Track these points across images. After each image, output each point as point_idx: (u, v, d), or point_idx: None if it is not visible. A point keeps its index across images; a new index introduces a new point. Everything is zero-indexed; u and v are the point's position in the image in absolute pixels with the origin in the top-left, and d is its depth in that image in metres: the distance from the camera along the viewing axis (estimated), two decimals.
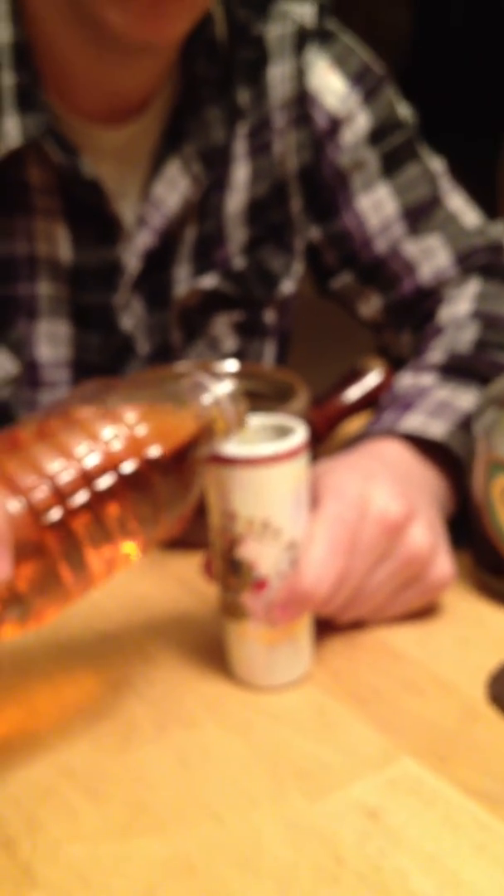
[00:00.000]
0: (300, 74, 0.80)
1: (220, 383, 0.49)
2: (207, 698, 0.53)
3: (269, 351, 0.86)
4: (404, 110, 0.84)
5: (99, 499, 0.44)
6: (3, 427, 0.74)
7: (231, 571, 0.52)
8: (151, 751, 0.49)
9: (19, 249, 0.72)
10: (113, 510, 0.44)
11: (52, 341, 0.75)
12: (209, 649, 0.56)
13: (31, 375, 0.75)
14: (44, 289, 0.74)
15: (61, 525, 0.43)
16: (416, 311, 0.82)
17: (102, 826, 0.45)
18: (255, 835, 0.44)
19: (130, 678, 0.55)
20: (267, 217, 0.82)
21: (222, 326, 0.82)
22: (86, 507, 0.43)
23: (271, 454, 0.50)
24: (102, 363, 0.77)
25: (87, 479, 0.43)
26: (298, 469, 0.51)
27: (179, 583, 0.64)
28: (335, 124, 0.81)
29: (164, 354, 0.79)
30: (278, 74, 0.79)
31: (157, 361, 0.79)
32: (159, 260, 0.77)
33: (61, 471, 0.43)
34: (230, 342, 0.83)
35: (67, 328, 0.75)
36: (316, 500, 0.53)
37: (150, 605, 0.62)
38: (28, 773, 0.48)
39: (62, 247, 0.73)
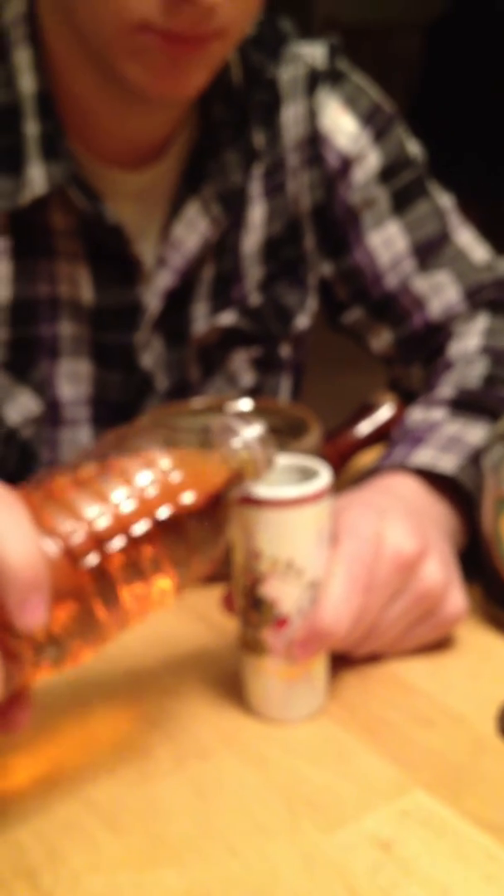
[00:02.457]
0: (312, 115, 0.82)
1: (250, 427, 0.51)
2: (224, 731, 0.54)
3: (285, 384, 0.88)
4: (414, 148, 0.86)
5: (134, 543, 0.45)
6: (28, 467, 0.76)
7: (253, 608, 0.53)
8: (169, 783, 0.51)
9: (42, 291, 0.74)
10: (147, 554, 0.46)
11: (73, 380, 0.77)
12: (226, 682, 0.58)
13: (52, 414, 0.77)
14: (65, 329, 0.76)
15: (98, 569, 0.44)
16: (425, 346, 0.84)
17: (122, 857, 0.46)
18: (270, 866, 0.45)
19: (149, 711, 0.56)
20: (282, 254, 0.84)
21: (240, 362, 0.84)
22: (122, 551, 0.45)
23: (298, 496, 0.51)
24: (122, 400, 0.79)
25: (123, 524, 0.45)
26: (322, 510, 0.53)
27: (198, 616, 0.65)
28: (346, 164, 0.83)
29: (182, 390, 0.81)
30: (291, 116, 0.82)
31: (175, 397, 0.81)
32: (178, 299, 0.79)
33: (98, 516, 0.44)
34: (247, 377, 0.84)
35: (88, 367, 0.77)
36: (333, 539, 0.55)
37: (169, 638, 0.63)
38: (50, 805, 0.49)
39: (84, 288, 0.75)
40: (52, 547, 0.43)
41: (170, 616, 0.65)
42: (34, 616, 0.41)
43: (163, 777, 0.51)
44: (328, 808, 0.49)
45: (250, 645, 0.54)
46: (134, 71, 0.65)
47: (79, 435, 0.78)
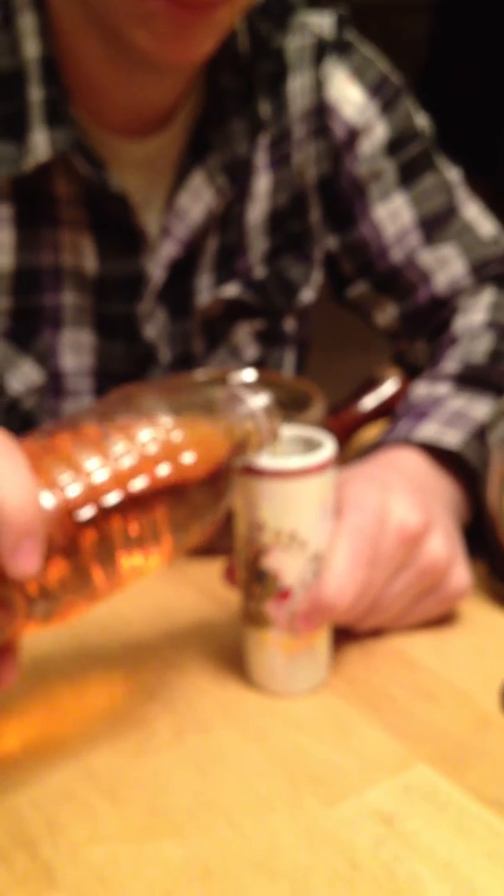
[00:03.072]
0: (319, 86, 0.81)
1: (256, 396, 0.50)
2: (224, 704, 0.54)
3: (289, 359, 0.87)
4: (421, 121, 0.84)
5: (132, 500, 0.44)
6: None
7: (256, 580, 0.53)
8: (169, 755, 0.50)
9: (45, 260, 0.73)
10: (145, 513, 0.45)
11: (76, 350, 0.76)
12: (227, 655, 0.57)
13: (54, 384, 0.76)
14: (69, 299, 0.75)
15: (94, 524, 0.43)
16: (430, 321, 0.83)
17: (121, 828, 0.46)
18: (271, 839, 0.45)
19: (149, 683, 0.56)
20: (287, 227, 0.83)
21: (243, 335, 0.83)
22: (119, 508, 0.44)
23: (301, 467, 0.51)
24: (125, 372, 0.78)
25: (121, 479, 0.44)
26: (326, 482, 0.52)
27: (198, 589, 0.65)
28: (353, 135, 0.82)
29: (185, 362, 0.80)
30: (298, 86, 0.80)
31: (178, 369, 0.80)
32: (183, 270, 0.78)
33: (96, 469, 0.44)
34: (251, 350, 0.84)
35: (91, 337, 0.76)
36: (337, 512, 0.54)
37: (170, 611, 0.63)
38: (49, 776, 0.49)
39: (87, 258, 0.74)
40: (49, 499, 0.42)
41: (171, 588, 0.65)
42: (27, 563, 0.40)
43: (162, 749, 0.51)
44: (330, 781, 0.48)
45: (253, 618, 0.54)
46: (140, 37, 0.64)
47: (81, 406, 0.77)
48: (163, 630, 0.61)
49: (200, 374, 0.74)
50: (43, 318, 0.75)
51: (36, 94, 0.69)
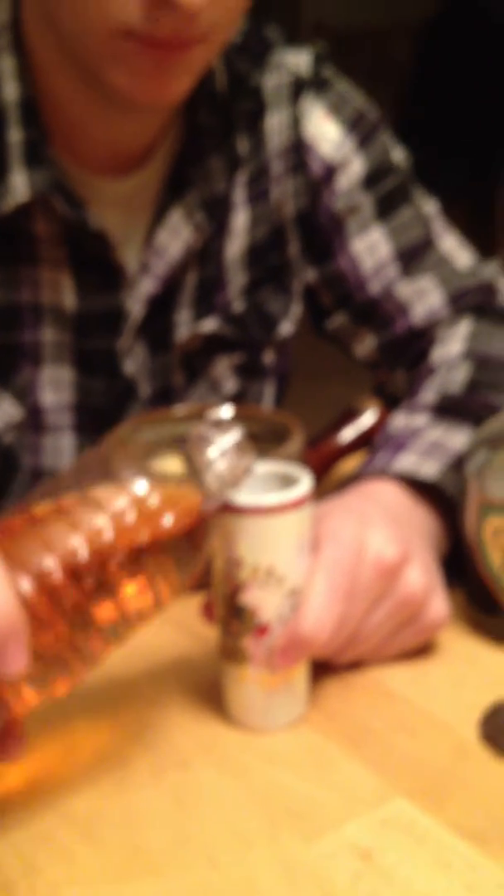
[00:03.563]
0: (296, 123, 0.82)
1: (225, 435, 0.50)
2: (203, 740, 0.54)
3: (269, 391, 0.87)
4: (398, 154, 0.86)
5: (114, 573, 0.45)
6: (10, 472, 0.76)
7: (233, 616, 0.53)
8: (148, 793, 0.50)
9: (24, 298, 0.74)
10: (128, 583, 0.45)
11: (55, 386, 0.77)
12: (205, 691, 0.57)
13: (34, 420, 0.77)
14: (48, 335, 0.75)
15: (77, 603, 0.44)
16: (409, 351, 0.84)
17: (99, 869, 0.46)
18: (250, 877, 0.45)
19: (127, 721, 0.56)
20: (266, 261, 0.83)
21: (223, 368, 0.83)
22: (101, 583, 0.45)
23: (278, 503, 0.51)
24: (105, 407, 0.78)
25: (101, 554, 0.45)
26: (303, 518, 0.52)
27: (176, 625, 0.65)
28: (330, 171, 0.83)
29: (165, 397, 0.81)
30: (275, 123, 0.81)
31: (158, 404, 0.80)
32: (162, 305, 0.79)
33: (77, 548, 0.44)
34: (231, 384, 0.84)
35: (71, 373, 0.77)
36: (314, 545, 0.54)
37: (148, 647, 0.62)
38: (26, 817, 0.49)
39: (66, 295, 0.75)
40: (27, 586, 0.43)
41: (149, 624, 0.65)
42: (14, 664, 0.42)
43: (141, 787, 0.51)
44: (308, 816, 0.48)
45: (231, 653, 0.54)
46: (118, 76, 0.65)
47: (61, 441, 0.78)
48: (141, 666, 0.61)
49: (179, 410, 0.75)
50: (22, 355, 0.75)
51: (15, 135, 0.70)
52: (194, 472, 0.49)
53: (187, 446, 0.50)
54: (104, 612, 0.45)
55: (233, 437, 0.50)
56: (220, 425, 0.51)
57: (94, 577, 0.44)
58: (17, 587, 0.42)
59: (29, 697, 0.44)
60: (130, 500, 0.46)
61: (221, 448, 0.50)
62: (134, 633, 0.48)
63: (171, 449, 0.50)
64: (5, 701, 0.44)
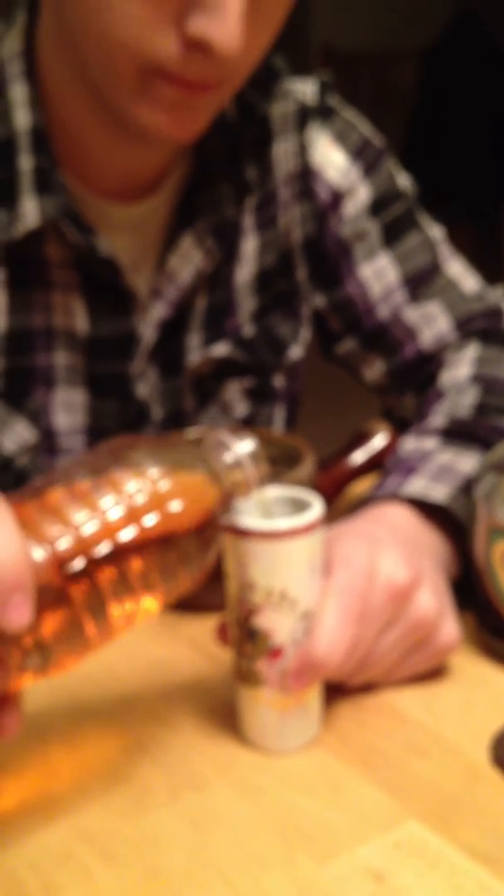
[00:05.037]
0: (303, 151, 0.83)
1: (242, 442, 0.51)
2: (218, 762, 0.55)
3: (279, 414, 0.88)
4: (404, 181, 0.87)
5: (122, 550, 0.45)
6: None
7: (247, 639, 0.54)
8: (164, 814, 0.51)
9: (37, 322, 0.75)
10: (135, 562, 0.46)
11: (68, 409, 0.78)
12: (221, 713, 0.58)
13: (48, 443, 0.78)
14: (61, 359, 0.76)
15: (84, 575, 0.44)
16: (417, 375, 0.85)
17: (117, 890, 0.46)
18: None
19: (144, 742, 0.56)
20: (274, 286, 0.85)
21: (233, 392, 0.85)
22: (109, 558, 0.45)
23: (291, 528, 0.52)
24: (118, 430, 0.79)
25: (110, 530, 0.45)
26: (315, 542, 0.53)
27: (192, 646, 0.65)
28: (337, 197, 0.84)
29: (177, 420, 0.82)
30: (282, 151, 0.83)
31: (170, 427, 0.81)
32: (173, 329, 0.80)
33: (86, 522, 0.45)
34: (241, 407, 0.85)
35: (83, 396, 0.78)
36: (326, 569, 0.55)
37: (163, 668, 0.63)
38: (46, 837, 0.50)
39: (79, 319, 0.76)
40: (39, 553, 0.44)
41: (164, 645, 0.66)
42: (18, 616, 0.42)
43: (158, 808, 0.51)
44: (322, 838, 0.49)
45: (245, 675, 0.55)
46: (141, 111, 0.66)
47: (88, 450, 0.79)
48: (157, 687, 0.61)
49: (191, 433, 0.76)
50: (35, 378, 0.76)
51: (26, 162, 0.71)
52: (210, 472, 0.50)
53: (204, 450, 0.50)
54: (111, 593, 0.45)
55: (249, 444, 0.51)
56: (238, 432, 0.51)
57: (102, 556, 0.45)
58: (28, 548, 0.43)
59: (27, 669, 0.44)
60: (142, 481, 0.47)
61: (237, 454, 0.51)
62: (140, 619, 0.48)
63: (187, 453, 0.51)
64: (5, 665, 0.43)
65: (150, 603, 0.48)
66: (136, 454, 0.48)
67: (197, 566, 0.49)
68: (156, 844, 0.49)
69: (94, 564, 0.45)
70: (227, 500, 0.51)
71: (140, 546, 0.46)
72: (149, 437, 0.79)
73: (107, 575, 0.45)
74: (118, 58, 0.64)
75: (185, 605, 0.68)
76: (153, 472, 0.47)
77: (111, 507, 0.46)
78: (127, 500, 0.46)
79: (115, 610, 0.46)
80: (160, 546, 0.47)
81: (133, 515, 0.46)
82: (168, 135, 0.67)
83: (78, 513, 0.45)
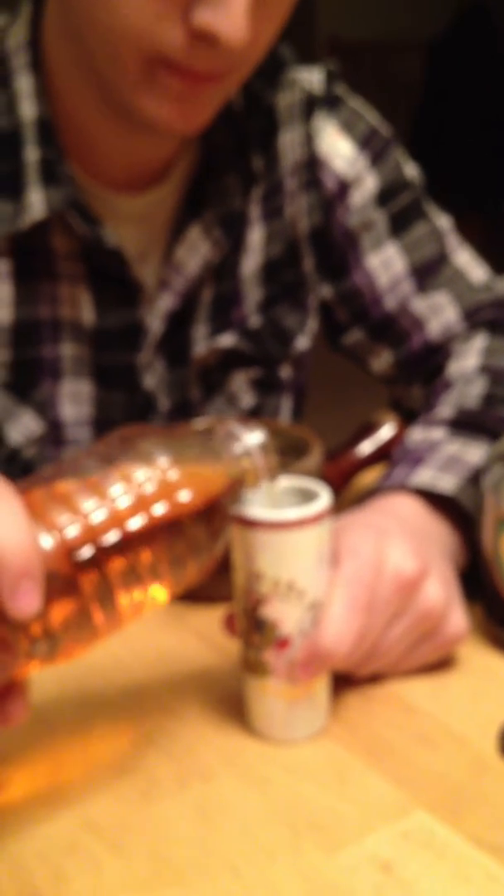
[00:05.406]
0: (309, 140, 0.83)
1: (252, 433, 0.51)
2: (226, 752, 0.55)
3: (286, 405, 0.88)
4: (411, 170, 0.87)
5: (130, 539, 0.45)
6: None
7: (255, 629, 0.54)
8: (172, 804, 0.51)
9: (43, 313, 0.75)
10: (143, 551, 0.46)
11: (75, 401, 0.78)
12: (228, 703, 0.58)
13: (54, 434, 0.78)
14: (67, 350, 0.76)
15: (93, 563, 0.44)
16: (425, 366, 0.85)
17: (125, 879, 0.46)
18: (273, 888, 0.46)
19: (151, 732, 0.57)
20: (281, 276, 0.84)
21: (240, 383, 0.84)
22: (118, 546, 0.45)
23: (298, 518, 0.52)
24: (124, 421, 0.79)
25: (119, 519, 0.45)
26: (323, 532, 0.53)
27: (199, 637, 0.65)
28: (344, 187, 0.84)
29: (183, 411, 0.82)
30: (289, 141, 0.82)
31: (176, 418, 0.81)
32: (179, 320, 0.80)
33: (95, 510, 0.45)
34: (248, 398, 0.85)
35: (90, 388, 0.78)
36: (334, 560, 0.55)
37: (171, 658, 0.63)
38: (53, 827, 0.50)
39: (85, 310, 0.76)
40: (48, 540, 0.44)
41: (172, 636, 0.66)
42: (26, 603, 0.42)
43: (165, 798, 0.51)
44: (330, 828, 0.49)
45: (252, 666, 0.55)
46: (147, 103, 0.66)
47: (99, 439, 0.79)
48: (164, 678, 0.61)
49: (198, 423, 0.76)
50: (42, 370, 0.76)
51: (32, 154, 0.71)
52: (220, 462, 0.50)
53: (214, 440, 0.50)
54: (120, 581, 0.45)
55: (259, 435, 0.51)
56: (247, 423, 0.51)
57: (111, 544, 0.45)
58: (36, 536, 0.43)
59: (35, 656, 0.44)
60: (151, 470, 0.47)
61: (247, 445, 0.51)
62: (149, 608, 0.48)
63: (196, 443, 0.51)
64: (13, 651, 0.43)
65: (158, 592, 0.48)
66: (145, 443, 0.48)
67: (206, 556, 0.49)
68: (163, 834, 0.49)
69: (103, 553, 0.45)
70: (235, 491, 0.51)
71: (149, 535, 0.46)
72: (158, 426, 0.79)
73: (116, 563, 0.45)
74: (123, 49, 0.63)
75: (193, 596, 0.68)
76: (162, 461, 0.47)
77: (120, 495, 0.46)
78: (136, 488, 0.46)
79: (124, 599, 0.46)
80: (168, 535, 0.47)
81: (142, 504, 0.46)
82: (173, 126, 0.67)
83: (87, 501, 0.45)
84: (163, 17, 0.61)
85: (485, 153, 3.88)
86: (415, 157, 0.88)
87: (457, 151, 3.80)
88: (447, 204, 0.92)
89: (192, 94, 0.65)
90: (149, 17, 0.61)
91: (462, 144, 3.83)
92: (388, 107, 0.87)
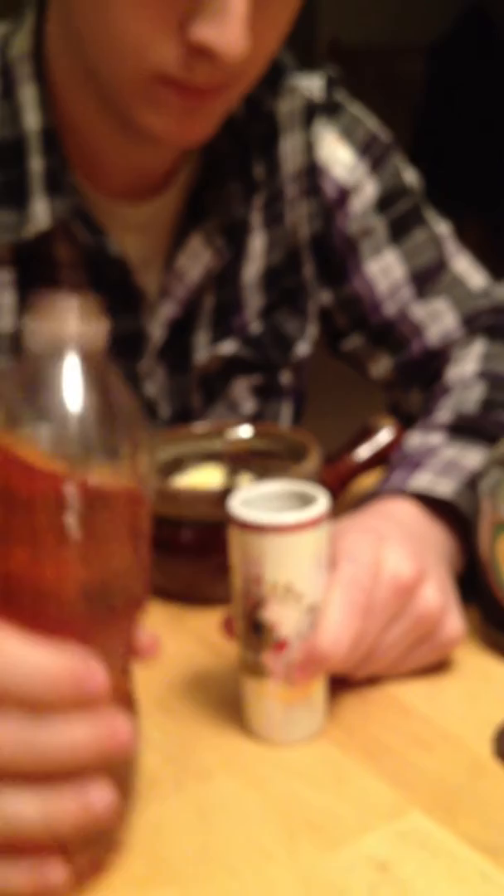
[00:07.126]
0: (309, 147, 0.84)
1: (67, 300, 0.42)
2: (224, 753, 0.55)
3: (286, 411, 0.89)
4: (410, 177, 0.87)
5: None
6: None
7: (253, 632, 0.54)
8: (170, 804, 0.52)
9: None
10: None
11: None
12: (226, 704, 0.59)
13: None
14: None
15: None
16: (424, 371, 0.85)
17: (123, 878, 0.47)
18: (270, 887, 0.46)
19: (149, 733, 0.57)
20: (281, 283, 0.85)
21: (241, 389, 0.85)
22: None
23: (297, 522, 0.52)
24: None
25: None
26: (321, 536, 0.54)
27: (197, 639, 0.66)
28: (344, 194, 0.84)
29: (184, 418, 0.82)
30: (289, 148, 0.83)
31: (177, 424, 0.82)
32: (181, 328, 0.80)
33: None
34: (249, 404, 0.86)
35: None
36: (332, 563, 0.56)
37: (169, 660, 0.64)
38: None
39: None
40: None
41: (170, 638, 0.66)
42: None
43: (163, 799, 0.52)
44: (326, 829, 0.49)
45: (250, 668, 0.55)
46: (149, 118, 0.66)
47: None
48: (163, 680, 0.62)
49: (199, 428, 0.76)
50: None
51: (36, 163, 0.72)
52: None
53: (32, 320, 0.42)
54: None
55: (74, 301, 0.43)
56: (63, 295, 0.44)
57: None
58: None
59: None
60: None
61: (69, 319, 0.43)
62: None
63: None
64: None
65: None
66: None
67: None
68: (161, 834, 0.50)
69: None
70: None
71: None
72: (158, 433, 0.80)
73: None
74: (124, 66, 0.64)
75: (191, 598, 0.69)
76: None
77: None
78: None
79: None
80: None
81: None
82: (175, 140, 0.68)
83: None
84: (159, 33, 0.62)
85: (486, 156, 3.88)
86: (416, 160, 0.89)
87: (458, 155, 3.81)
88: (448, 208, 0.92)
89: (193, 108, 0.66)
90: (145, 33, 0.62)
91: (463, 148, 3.83)
92: (388, 110, 0.87)
